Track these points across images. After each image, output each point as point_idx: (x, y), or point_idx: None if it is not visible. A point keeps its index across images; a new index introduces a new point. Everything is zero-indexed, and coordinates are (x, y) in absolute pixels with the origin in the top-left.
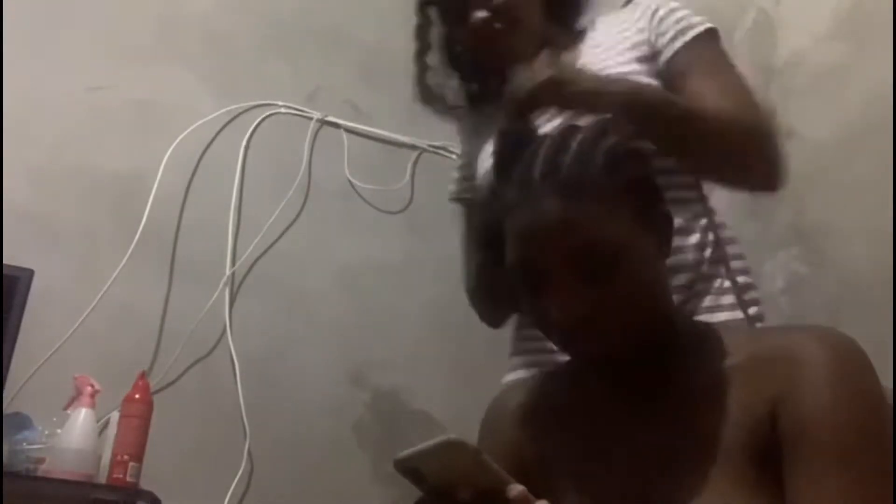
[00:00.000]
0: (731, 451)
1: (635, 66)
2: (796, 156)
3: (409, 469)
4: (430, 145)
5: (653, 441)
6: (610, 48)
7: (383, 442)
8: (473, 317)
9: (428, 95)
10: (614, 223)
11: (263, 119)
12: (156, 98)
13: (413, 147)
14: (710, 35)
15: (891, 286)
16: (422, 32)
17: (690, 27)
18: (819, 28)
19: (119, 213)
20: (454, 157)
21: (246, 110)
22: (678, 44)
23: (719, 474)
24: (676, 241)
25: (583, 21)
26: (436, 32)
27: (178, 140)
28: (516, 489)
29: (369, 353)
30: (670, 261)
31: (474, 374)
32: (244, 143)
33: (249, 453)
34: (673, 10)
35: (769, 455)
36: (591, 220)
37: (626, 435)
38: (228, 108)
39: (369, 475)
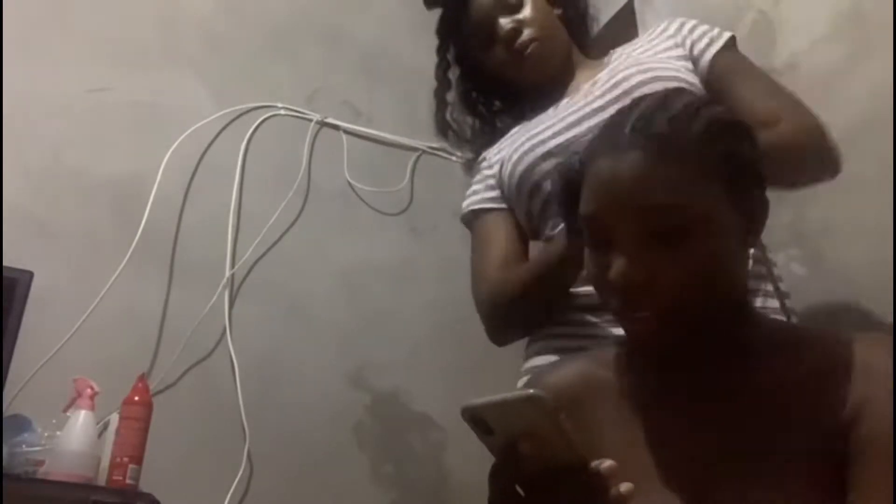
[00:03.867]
0: (799, 456)
1: (675, 63)
2: None
3: (477, 420)
4: (429, 147)
5: (715, 437)
6: (646, 51)
7: (383, 443)
8: (473, 318)
9: (444, 128)
10: (698, 191)
11: (263, 121)
12: (156, 100)
13: (413, 149)
14: (734, 41)
15: (891, 286)
16: (441, 72)
17: (720, 34)
18: (818, 30)
19: (119, 214)
20: (466, 165)
21: (245, 112)
22: (714, 48)
23: (784, 476)
24: None
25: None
26: (454, 74)
27: (177, 142)
28: (607, 462)
29: (369, 355)
30: None
31: (474, 376)
32: (244, 144)
33: (249, 455)
34: (697, 23)
35: (838, 462)
36: (672, 181)
37: (685, 427)
38: (228, 110)
39: (369, 476)
